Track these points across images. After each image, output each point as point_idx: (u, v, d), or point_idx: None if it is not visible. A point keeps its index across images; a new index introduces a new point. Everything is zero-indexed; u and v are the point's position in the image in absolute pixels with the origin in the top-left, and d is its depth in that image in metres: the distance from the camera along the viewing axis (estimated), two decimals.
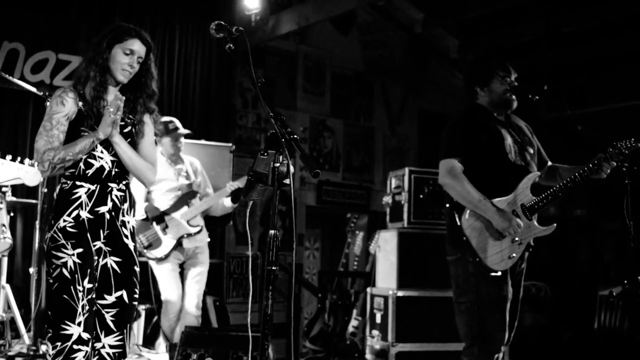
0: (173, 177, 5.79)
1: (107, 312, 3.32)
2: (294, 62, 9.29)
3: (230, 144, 7.36)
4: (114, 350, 3.31)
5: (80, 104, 3.35)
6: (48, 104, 3.40)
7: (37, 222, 5.34)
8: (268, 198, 3.33)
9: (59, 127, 3.30)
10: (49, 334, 3.21)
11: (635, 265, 4.20)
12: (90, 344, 3.23)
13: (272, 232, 2.65)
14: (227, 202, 5.84)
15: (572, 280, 8.56)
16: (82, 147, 3.27)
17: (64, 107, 3.33)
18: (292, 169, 2.63)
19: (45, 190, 5.29)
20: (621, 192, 4.00)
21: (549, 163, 4.30)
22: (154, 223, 5.67)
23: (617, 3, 7.89)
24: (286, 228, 8.65)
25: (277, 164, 2.67)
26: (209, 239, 6.00)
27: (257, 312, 7.94)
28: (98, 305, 3.31)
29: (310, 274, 9.61)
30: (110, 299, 3.32)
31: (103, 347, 3.30)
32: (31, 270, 5.39)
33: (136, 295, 3.41)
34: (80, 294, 3.21)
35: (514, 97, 4.10)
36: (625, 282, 4.25)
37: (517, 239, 3.91)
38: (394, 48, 9.89)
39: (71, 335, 3.17)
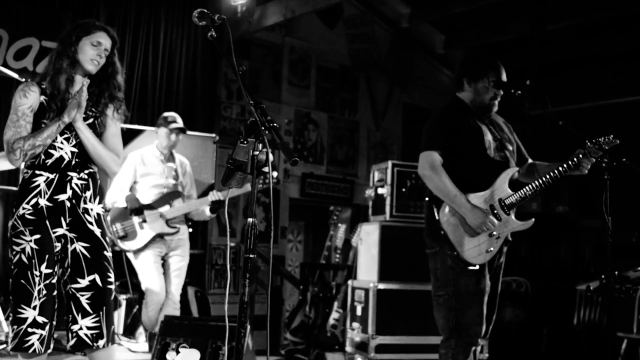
0: (161, 174, 5.78)
1: (82, 295, 3.41)
2: (280, 55, 9.28)
3: (214, 135, 7.35)
4: (92, 332, 3.40)
5: (42, 97, 3.47)
6: (15, 93, 3.49)
7: None
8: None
9: (25, 118, 3.42)
10: (9, 317, 3.34)
11: (613, 260, 4.24)
12: (47, 328, 3.33)
13: (250, 220, 2.65)
14: (207, 211, 5.84)
15: (553, 276, 8.62)
16: (50, 132, 3.39)
17: (27, 99, 3.45)
18: (271, 156, 2.63)
19: None
20: (601, 189, 4.03)
21: (529, 160, 4.32)
22: (133, 215, 5.66)
23: (601, 2, 7.94)
24: (269, 220, 8.65)
25: (257, 152, 2.67)
26: (190, 230, 6.00)
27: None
28: (73, 290, 3.41)
29: (293, 266, 9.62)
30: (84, 282, 3.41)
31: (80, 328, 3.39)
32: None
33: (110, 279, 3.49)
34: (37, 279, 3.32)
35: (495, 102, 4.12)
36: (603, 276, 4.29)
37: (495, 233, 3.94)
38: (379, 42, 9.89)
39: (26, 318, 3.29)
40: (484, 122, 4.14)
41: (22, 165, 3.49)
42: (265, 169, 2.67)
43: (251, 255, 2.64)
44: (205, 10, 2.98)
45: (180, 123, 5.84)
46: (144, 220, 5.64)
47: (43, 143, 3.38)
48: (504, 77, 4.13)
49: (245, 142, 2.71)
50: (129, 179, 5.76)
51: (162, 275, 5.70)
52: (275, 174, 5.38)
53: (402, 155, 10.21)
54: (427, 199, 4.11)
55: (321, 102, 9.72)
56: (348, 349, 6.60)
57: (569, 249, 9.32)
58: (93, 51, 3.50)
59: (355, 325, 6.45)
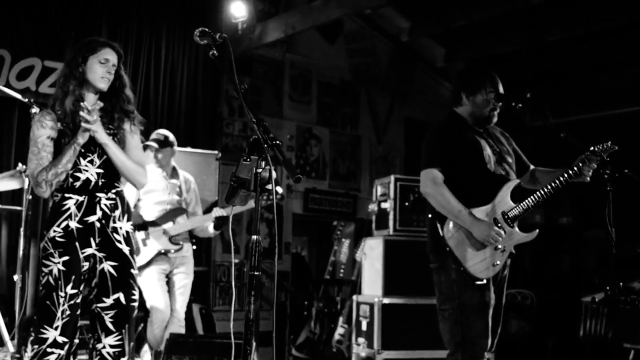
0: (164, 190, 5.78)
1: (106, 314, 3.47)
2: (281, 71, 9.31)
3: (216, 152, 7.36)
4: (114, 350, 3.46)
5: (59, 123, 3.51)
6: (32, 124, 3.55)
7: (22, 229, 5.32)
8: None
9: (45, 148, 3.48)
10: (31, 337, 3.41)
11: (617, 272, 4.24)
12: (67, 347, 3.39)
13: (254, 237, 2.66)
14: (210, 228, 5.84)
15: (557, 288, 8.60)
16: (68, 157, 3.42)
17: (45, 129, 3.50)
18: (274, 174, 2.64)
19: (30, 197, 5.26)
20: (604, 200, 4.03)
21: (531, 167, 4.33)
22: (136, 231, 5.66)
23: (599, 13, 7.96)
24: (273, 236, 8.65)
25: (260, 170, 2.68)
26: (194, 247, 5.99)
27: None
28: (98, 309, 3.48)
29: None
30: (108, 301, 3.48)
31: (104, 347, 3.46)
32: (15, 277, 5.36)
33: (134, 297, 3.55)
34: (61, 300, 3.38)
35: (494, 113, 4.13)
36: (608, 288, 4.28)
37: (499, 246, 3.94)
38: (380, 57, 9.94)
39: (47, 339, 3.35)
40: (482, 136, 4.14)
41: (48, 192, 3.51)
42: (269, 187, 2.68)
43: (256, 273, 2.64)
44: (207, 30, 3.00)
45: (159, 138, 5.78)
46: (147, 237, 5.65)
47: (64, 169, 3.44)
48: (501, 88, 4.13)
49: (248, 159, 2.72)
50: (132, 196, 5.76)
51: (166, 293, 5.69)
52: (279, 189, 5.39)
53: (405, 169, 10.22)
54: (430, 215, 4.11)
55: (322, 117, 9.75)
56: None
57: (572, 261, 9.31)
58: (102, 69, 3.54)
59: (361, 340, 6.44)
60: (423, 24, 9.37)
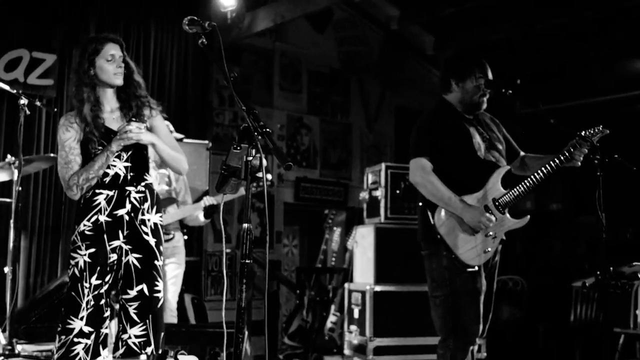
0: (154, 181, 5.75)
1: (130, 306, 3.54)
2: (270, 60, 9.28)
3: (207, 142, 7.34)
4: (139, 340, 3.53)
5: (83, 125, 3.57)
6: (58, 128, 3.62)
7: (12, 221, 5.30)
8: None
9: (72, 152, 3.56)
10: (59, 328, 3.46)
11: (608, 257, 4.26)
12: (93, 337, 3.46)
13: (245, 225, 2.66)
14: (201, 216, 5.83)
15: (548, 273, 8.64)
16: (100, 163, 3.51)
17: (70, 132, 3.57)
18: (264, 162, 2.64)
19: (20, 188, 5.24)
20: (594, 186, 4.05)
21: (522, 153, 4.34)
22: None
23: (588, 1, 7.97)
24: (264, 225, 8.65)
25: (250, 158, 2.68)
26: (186, 237, 5.98)
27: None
28: (123, 300, 3.55)
29: (289, 270, 9.61)
30: (132, 293, 3.54)
31: (129, 337, 3.53)
32: (6, 269, 5.35)
33: (157, 288, 3.59)
34: (86, 290, 3.46)
35: (484, 99, 4.13)
36: (598, 273, 4.30)
37: (491, 233, 3.95)
38: (370, 45, 9.92)
39: (73, 329, 3.43)
40: (472, 123, 4.14)
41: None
42: (259, 175, 2.68)
43: (247, 261, 2.65)
44: (196, 18, 3.00)
45: (172, 130, 5.81)
46: None
47: (96, 175, 3.51)
48: (490, 74, 4.13)
49: (238, 148, 2.72)
50: None
51: None
52: (269, 176, 5.38)
53: (395, 157, 10.22)
54: (420, 203, 4.12)
55: (313, 106, 9.74)
56: (346, 351, 6.60)
57: (563, 246, 9.35)
58: (112, 66, 3.57)
59: (353, 328, 6.45)
60: (413, 12, 9.36)
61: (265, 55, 9.22)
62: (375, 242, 6.35)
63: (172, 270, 5.75)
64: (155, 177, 5.76)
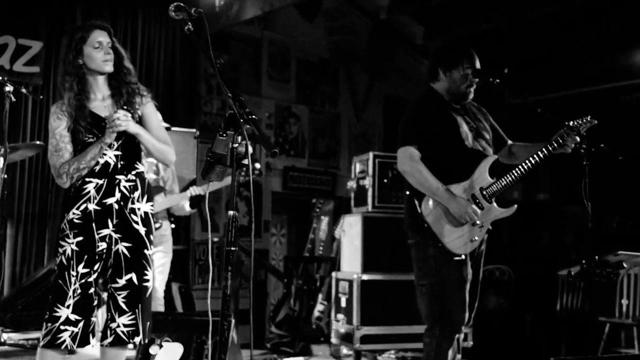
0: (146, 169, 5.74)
1: (119, 295, 3.52)
2: (259, 48, 9.25)
3: (194, 130, 7.32)
4: (128, 329, 3.52)
5: (71, 114, 3.53)
6: (49, 117, 3.59)
7: None
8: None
9: (63, 140, 3.53)
10: (46, 316, 3.44)
11: (594, 246, 4.28)
12: (81, 325, 3.44)
13: (231, 213, 2.65)
14: (187, 206, 5.83)
15: (535, 263, 8.67)
16: (92, 154, 3.49)
17: (61, 120, 3.53)
18: (250, 149, 2.63)
19: (5, 176, 5.22)
20: (581, 175, 4.06)
21: (509, 142, 4.35)
22: None
23: None
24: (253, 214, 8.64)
25: (236, 145, 2.67)
26: (173, 226, 5.97)
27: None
28: (112, 289, 3.53)
29: (277, 259, 9.62)
30: (121, 282, 3.52)
31: (118, 326, 3.52)
32: None
33: (147, 277, 3.60)
34: (73, 278, 3.43)
35: (471, 89, 4.14)
36: (583, 261, 4.33)
37: (478, 222, 3.96)
38: (359, 34, 9.90)
39: (60, 317, 3.40)
40: (459, 112, 4.15)
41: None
42: (245, 161, 2.67)
43: (232, 248, 2.64)
44: (182, 4, 2.98)
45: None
46: None
47: (87, 165, 3.49)
48: (478, 65, 4.13)
49: (224, 134, 2.71)
50: None
51: None
52: (257, 165, 5.38)
53: (384, 146, 10.21)
54: (407, 192, 4.12)
55: (301, 95, 9.73)
56: (333, 340, 6.61)
57: (550, 236, 9.38)
58: (99, 53, 3.53)
59: (340, 316, 6.46)
60: (402, 1, 9.31)
61: (254, 44, 9.19)
62: (363, 231, 6.35)
63: (160, 259, 5.74)
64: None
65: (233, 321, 4.78)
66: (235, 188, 2.66)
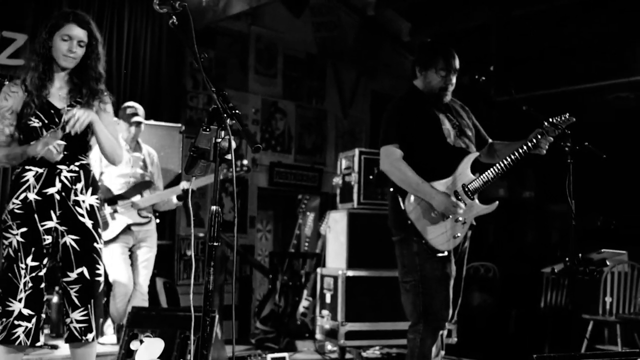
0: (127, 163, 5.73)
1: (72, 289, 3.46)
2: (246, 44, 9.23)
3: (180, 125, 7.30)
4: (80, 325, 3.45)
5: (25, 94, 3.46)
6: None
7: None
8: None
9: (4, 121, 3.45)
10: None
11: (579, 244, 4.30)
12: (34, 320, 3.36)
13: (213, 208, 2.64)
14: (174, 199, 5.82)
15: (520, 260, 8.71)
16: (14, 156, 3.44)
17: (7, 101, 3.46)
18: (233, 144, 2.62)
19: None
20: (565, 173, 4.08)
21: (490, 141, 4.36)
22: (105, 205, 5.62)
23: None
24: (239, 210, 8.63)
25: (219, 140, 2.65)
26: (157, 221, 5.96)
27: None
28: (64, 283, 3.46)
29: (263, 255, 9.61)
30: (73, 275, 3.46)
31: (72, 322, 3.45)
32: None
33: (98, 271, 3.53)
34: (22, 271, 3.35)
35: (447, 92, 4.13)
36: (567, 259, 4.35)
37: (460, 218, 3.97)
38: (346, 30, 9.90)
39: (13, 311, 3.33)
40: (441, 109, 4.15)
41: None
42: (228, 156, 2.65)
43: (215, 244, 2.63)
44: None
45: (140, 114, 5.77)
46: (115, 211, 5.61)
47: (7, 161, 3.45)
48: (456, 64, 4.12)
49: (207, 129, 2.69)
50: (96, 170, 5.69)
51: (129, 267, 5.66)
52: (245, 162, 5.39)
53: (370, 143, 10.23)
54: (391, 189, 4.13)
55: (288, 91, 9.71)
56: (318, 336, 6.61)
57: (535, 234, 9.43)
58: (64, 45, 3.46)
59: (325, 312, 6.47)
60: None
61: (241, 39, 9.16)
62: (348, 227, 6.36)
63: (144, 254, 5.73)
64: (128, 160, 5.73)
65: (217, 317, 4.77)
66: (218, 183, 2.64)
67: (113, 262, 5.61)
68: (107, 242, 5.60)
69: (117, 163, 3.75)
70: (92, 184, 3.62)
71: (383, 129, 4.10)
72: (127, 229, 5.64)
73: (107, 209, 5.61)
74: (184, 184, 5.64)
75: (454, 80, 4.12)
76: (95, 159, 5.67)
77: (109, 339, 6.06)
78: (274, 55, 9.55)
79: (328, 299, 6.45)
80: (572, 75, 8.87)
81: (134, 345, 4.22)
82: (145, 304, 5.66)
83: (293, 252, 8.43)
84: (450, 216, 3.93)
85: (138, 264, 5.71)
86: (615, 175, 7.39)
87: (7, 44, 6.79)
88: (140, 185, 5.72)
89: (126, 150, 5.75)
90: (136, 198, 5.67)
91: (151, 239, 5.79)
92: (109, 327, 6.24)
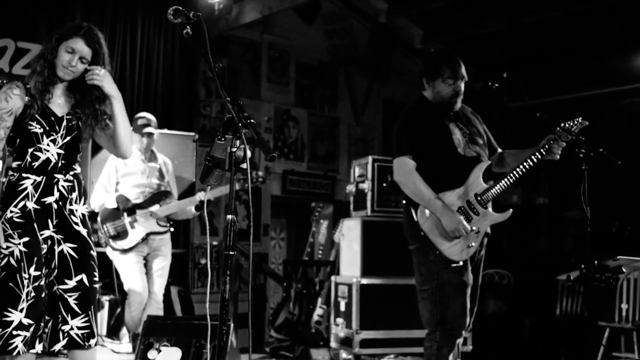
0: (143, 174, 5.77)
1: (70, 296, 3.42)
2: (258, 52, 9.25)
3: (193, 134, 7.32)
4: (82, 332, 3.42)
5: (27, 98, 3.43)
6: None
7: None
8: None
9: (0, 123, 3.40)
10: None
11: (594, 250, 4.27)
12: (32, 329, 3.34)
13: (229, 217, 2.65)
14: (192, 209, 5.87)
15: (534, 267, 8.67)
16: None
17: (8, 103, 3.41)
18: (248, 153, 2.63)
19: None
20: (580, 180, 4.06)
21: (499, 150, 4.34)
22: (125, 214, 5.65)
23: None
24: (252, 218, 8.64)
25: (234, 149, 2.66)
26: (172, 229, 5.98)
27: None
28: (60, 291, 3.41)
29: (277, 263, 9.61)
30: (71, 283, 3.42)
31: (72, 329, 3.41)
32: None
33: (96, 279, 3.51)
34: (26, 282, 3.32)
35: (456, 100, 4.12)
36: (583, 266, 4.32)
37: (474, 227, 3.96)
38: (358, 38, 9.90)
39: (12, 322, 3.30)
40: (451, 118, 4.13)
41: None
42: (244, 166, 2.66)
43: (231, 252, 2.63)
44: (180, 8, 2.96)
45: (152, 125, 5.80)
46: (135, 220, 5.64)
47: None
48: (463, 71, 4.10)
49: (222, 139, 2.70)
50: (112, 180, 5.75)
51: (144, 276, 5.68)
52: (260, 173, 5.42)
53: (383, 150, 10.22)
54: (404, 201, 4.13)
55: (301, 99, 9.72)
56: (333, 344, 6.61)
57: (549, 241, 9.38)
58: (66, 57, 3.43)
59: (339, 320, 6.46)
60: (401, 5, 9.33)
61: (253, 47, 9.18)
62: (362, 235, 6.36)
63: (159, 263, 5.76)
64: (143, 170, 5.76)
65: (232, 325, 4.78)
66: (234, 192, 2.65)
67: (128, 270, 5.64)
68: (123, 251, 5.63)
69: (127, 155, 3.71)
70: (84, 194, 3.63)
71: (395, 141, 4.10)
72: (145, 238, 5.67)
73: (127, 219, 5.65)
74: (200, 195, 5.67)
75: (462, 87, 4.11)
76: (111, 168, 5.72)
77: (124, 348, 6.08)
78: (286, 63, 9.57)
79: (342, 307, 6.44)
80: (585, 81, 8.84)
81: (151, 354, 4.23)
82: (160, 312, 5.68)
83: (307, 260, 8.41)
84: (457, 237, 3.91)
85: (153, 273, 5.74)
86: (630, 181, 7.35)
87: (22, 54, 6.84)
88: (159, 195, 5.77)
89: (141, 161, 5.78)
90: (155, 207, 5.70)
91: (166, 247, 5.82)
92: (124, 335, 6.27)
